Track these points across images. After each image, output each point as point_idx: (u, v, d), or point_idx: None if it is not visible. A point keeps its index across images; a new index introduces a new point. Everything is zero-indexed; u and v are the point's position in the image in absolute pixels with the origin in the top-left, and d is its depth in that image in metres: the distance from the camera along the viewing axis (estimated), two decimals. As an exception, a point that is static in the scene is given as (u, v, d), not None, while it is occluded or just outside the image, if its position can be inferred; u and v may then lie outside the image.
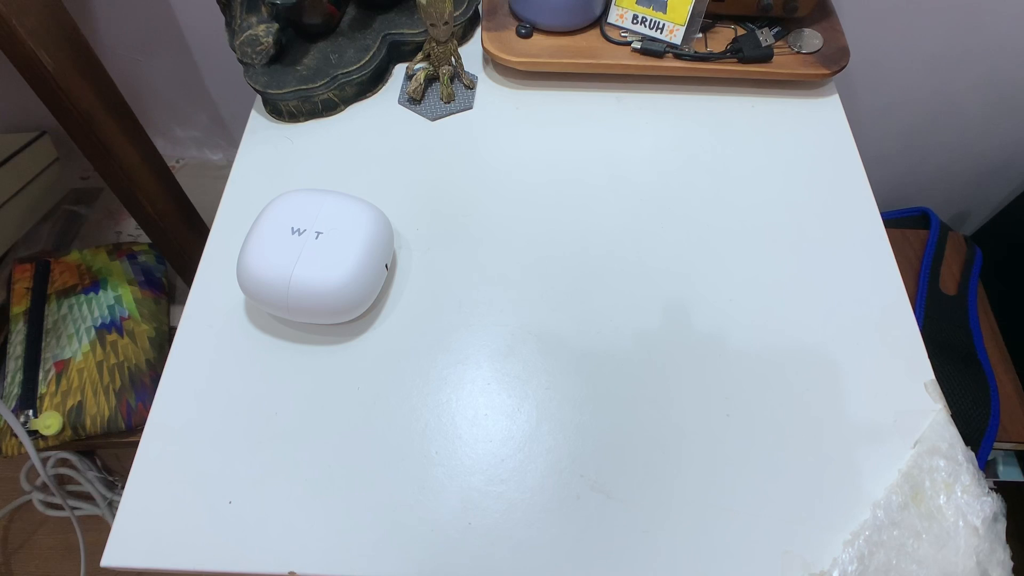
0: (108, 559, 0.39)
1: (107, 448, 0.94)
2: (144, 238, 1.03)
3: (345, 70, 0.57)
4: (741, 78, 0.59)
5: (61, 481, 0.95)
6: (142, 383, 0.83)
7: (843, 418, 0.44)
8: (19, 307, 0.87)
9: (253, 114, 0.59)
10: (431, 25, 0.54)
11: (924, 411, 0.44)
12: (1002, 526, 0.40)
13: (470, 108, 0.59)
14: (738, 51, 0.58)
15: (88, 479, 0.93)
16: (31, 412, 0.79)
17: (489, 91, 0.61)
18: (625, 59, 0.58)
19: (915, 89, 0.84)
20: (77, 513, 0.93)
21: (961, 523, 0.39)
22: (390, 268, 0.48)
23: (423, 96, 0.59)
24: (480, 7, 0.63)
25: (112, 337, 0.84)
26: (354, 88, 0.58)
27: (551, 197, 0.54)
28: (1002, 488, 0.45)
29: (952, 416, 0.43)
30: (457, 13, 0.61)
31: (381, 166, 0.55)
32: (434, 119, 0.58)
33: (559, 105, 0.59)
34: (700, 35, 0.60)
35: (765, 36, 0.58)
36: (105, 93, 0.66)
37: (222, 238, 0.51)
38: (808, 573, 0.39)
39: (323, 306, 0.43)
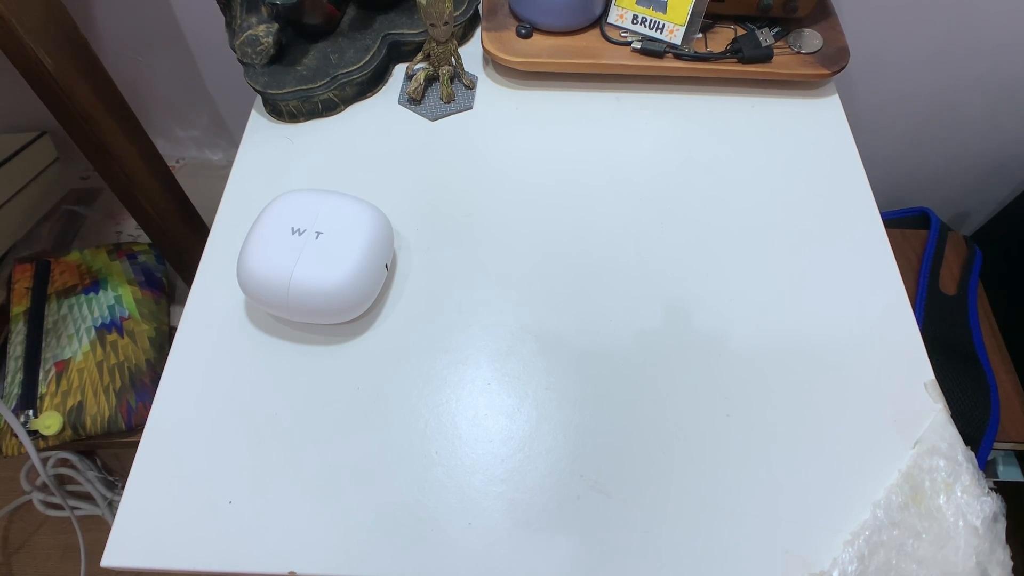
0: (108, 559, 0.39)
1: (107, 448, 0.94)
2: (144, 238, 1.03)
3: (345, 70, 0.57)
4: (741, 78, 0.59)
5: (61, 481, 0.95)
6: (142, 383, 0.83)
7: (843, 418, 0.44)
8: (19, 307, 0.87)
9: (253, 114, 0.59)
10: (431, 25, 0.54)
11: (924, 411, 0.44)
12: (1002, 526, 0.40)
13: (470, 108, 0.59)
14: (738, 51, 0.58)
15: (88, 479, 0.93)
16: (31, 412, 0.79)
17: (489, 91, 0.61)
18: (625, 59, 0.58)
19: (915, 89, 0.84)
20: (77, 513, 0.93)
21: (961, 523, 0.39)
22: (390, 268, 0.48)
23: (423, 96, 0.59)
24: (480, 7, 0.63)
25: (112, 337, 0.84)
26: (354, 88, 0.58)
27: (551, 197, 0.54)
28: (1002, 488, 0.45)
29: (952, 416, 0.43)
30: (457, 13, 0.61)
31: (381, 166, 0.55)
32: (434, 119, 0.58)
33: (559, 105, 0.59)
34: (700, 35, 0.60)
35: (765, 36, 0.58)
36: (105, 93, 0.66)
37: (222, 238, 0.51)
38: (808, 573, 0.39)
39: (323, 306, 0.43)
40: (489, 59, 0.62)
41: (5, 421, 0.80)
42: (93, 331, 0.84)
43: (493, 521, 0.40)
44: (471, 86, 0.60)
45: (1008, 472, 0.77)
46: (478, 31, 0.65)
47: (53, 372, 0.81)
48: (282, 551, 0.39)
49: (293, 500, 0.40)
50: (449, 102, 0.59)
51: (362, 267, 0.44)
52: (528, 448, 0.42)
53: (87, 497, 0.95)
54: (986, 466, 0.77)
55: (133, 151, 0.71)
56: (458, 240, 0.51)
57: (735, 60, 0.58)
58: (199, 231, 0.85)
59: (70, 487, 0.96)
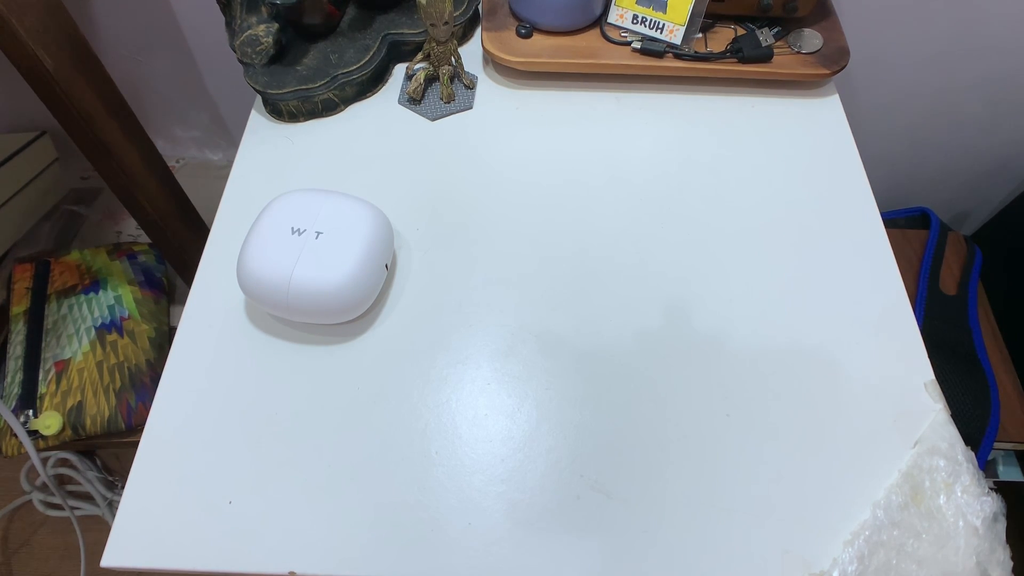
0: (108, 559, 0.39)
1: (107, 448, 0.94)
2: (144, 238, 1.03)
3: (345, 70, 0.57)
4: (741, 78, 0.59)
5: (61, 481, 0.95)
6: (142, 383, 0.83)
7: (843, 418, 0.44)
8: (19, 307, 0.87)
9: (253, 114, 0.59)
10: (431, 25, 0.54)
11: (924, 411, 0.44)
12: (1002, 526, 0.40)
13: (470, 108, 0.59)
14: (738, 51, 0.58)
15: (88, 479, 0.93)
16: (31, 412, 0.79)
17: (489, 91, 0.61)
18: (625, 59, 0.58)
19: (915, 89, 0.84)
20: (77, 513, 0.93)
21: (961, 523, 0.39)
22: (390, 268, 0.48)
23: (423, 96, 0.59)
24: (480, 7, 0.63)
25: (112, 337, 0.84)
26: (354, 88, 0.58)
27: (551, 197, 0.54)
28: (1002, 488, 0.45)
29: (952, 416, 0.43)
30: (457, 13, 0.61)
31: (381, 166, 0.55)
32: (434, 119, 0.58)
33: (559, 105, 0.59)
34: (700, 35, 0.60)
35: (765, 36, 0.58)
36: (105, 93, 0.66)
37: (222, 238, 0.51)
38: (808, 573, 0.39)
39: (323, 306, 0.43)
40: (489, 59, 0.62)
41: (5, 421, 0.80)
42: (93, 331, 0.84)
43: (493, 521, 0.40)
44: (471, 86, 0.60)
45: (1008, 472, 0.77)
46: (478, 31, 0.65)
47: (53, 372, 0.81)
48: (282, 551, 0.39)
49: (293, 500, 0.40)
50: (449, 102, 0.59)
51: (362, 267, 0.44)
52: (528, 448, 0.42)
53: (87, 497, 0.95)
54: (986, 466, 0.77)
55: (133, 151, 0.71)
56: (458, 240, 0.51)
57: (735, 60, 0.58)
58: (199, 231, 0.85)
59: (70, 487, 0.96)
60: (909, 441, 0.43)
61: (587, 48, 0.59)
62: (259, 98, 0.59)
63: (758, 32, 0.58)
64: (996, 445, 0.73)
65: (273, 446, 0.42)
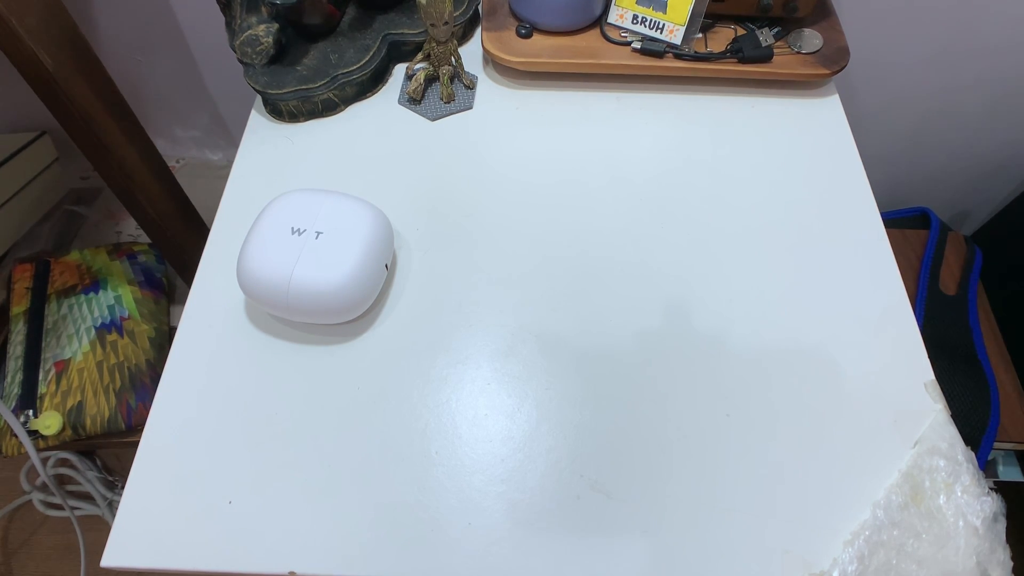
0: (108, 559, 0.39)
1: (107, 448, 0.94)
2: (144, 238, 1.03)
3: (345, 70, 0.57)
4: (741, 78, 0.59)
5: (61, 481, 0.95)
6: (142, 383, 0.83)
7: (843, 418, 0.44)
8: (19, 307, 0.87)
9: (253, 114, 0.59)
10: (431, 25, 0.54)
11: (924, 411, 0.44)
12: (1002, 526, 0.40)
13: (470, 108, 0.59)
14: (738, 51, 0.58)
15: (88, 479, 0.93)
16: (31, 412, 0.79)
17: (489, 91, 0.61)
18: (625, 59, 0.58)
19: (915, 89, 0.84)
20: (77, 513, 0.93)
21: (961, 523, 0.39)
22: (390, 268, 0.48)
23: (423, 96, 0.59)
24: (480, 7, 0.63)
25: (112, 337, 0.84)
26: (354, 88, 0.58)
27: (551, 197, 0.54)
28: (1002, 488, 0.45)
29: (952, 416, 0.43)
30: (457, 13, 0.61)
31: (381, 166, 0.55)
32: (434, 119, 0.58)
33: (559, 105, 0.59)
34: (700, 35, 0.60)
35: (765, 36, 0.58)
36: (105, 93, 0.66)
37: (222, 238, 0.51)
38: (808, 573, 0.39)
39: (323, 306, 0.43)
40: (489, 59, 0.62)
41: (5, 421, 0.80)
42: (93, 331, 0.84)
43: (493, 521, 0.40)
44: (471, 86, 0.60)
45: (1008, 472, 0.77)
46: (478, 31, 0.65)
47: (53, 372, 0.81)
48: (282, 551, 0.39)
49: (293, 500, 0.40)
50: (449, 102, 0.59)
51: (362, 267, 0.44)
52: (528, 448, 0.42)
53: (87, 497, 0.95)
54: (986, 466, 0.77)
55: (133, 151, 0.71)
56: (458, 240, 0.51)
57: (735, 60, 0.58)
58: (199, 231, 0.85)
59: (70, 487, 0.96)
60: (909, 441, 0.43)
61: (587, 48, 0.59)
62: (259, 98, 0.59)
63: (758, 32, 0.58)
64: (996, 445, 0.73)
65: (273, 446, 0.42)
